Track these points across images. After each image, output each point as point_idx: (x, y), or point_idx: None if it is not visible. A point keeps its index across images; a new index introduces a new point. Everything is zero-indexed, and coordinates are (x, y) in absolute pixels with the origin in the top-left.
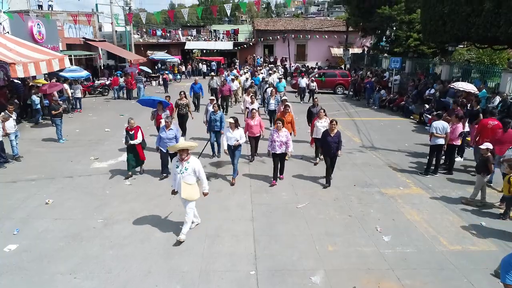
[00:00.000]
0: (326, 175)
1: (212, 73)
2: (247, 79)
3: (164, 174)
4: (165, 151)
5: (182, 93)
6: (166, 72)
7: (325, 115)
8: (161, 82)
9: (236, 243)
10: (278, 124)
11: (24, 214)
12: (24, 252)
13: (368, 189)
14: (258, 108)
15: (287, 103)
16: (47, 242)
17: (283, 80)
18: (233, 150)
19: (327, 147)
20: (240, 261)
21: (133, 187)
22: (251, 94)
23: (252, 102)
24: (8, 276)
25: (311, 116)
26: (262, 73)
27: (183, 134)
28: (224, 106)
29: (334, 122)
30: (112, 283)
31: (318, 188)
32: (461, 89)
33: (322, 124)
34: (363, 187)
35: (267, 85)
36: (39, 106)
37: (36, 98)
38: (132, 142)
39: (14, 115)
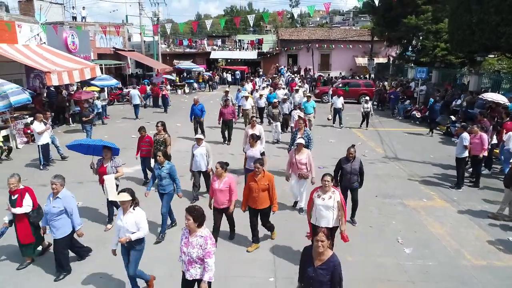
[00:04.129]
0: None
1: (226, 89)
2: (261, 96)
3: (63, 275)
4: (56, 237)
5: (159, 124)
6: (191, 80)
7: (334, 185)
8: (181, 92)
9: (255, 250)
10: (188, 222)
11: None
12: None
13: (390, 200)
14: (263, 152)
15: (261, 159)
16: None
17: (312, 99)
18: (127, 249)
19: None
20: (259, 267)
21: (155, 193)
22: (253, 133)
23: (252, 145)
24: (38, 275)
25: (341, 176)
26: (283, 87)
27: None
28: (226, 135)
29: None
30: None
31: None
32: (490, 99)
33: (325, 203)
34: (385, 198)
35: (291, 105)
36: (101, 110)
37: (98, 103)
38: (13, 213)
39: (50, 121)
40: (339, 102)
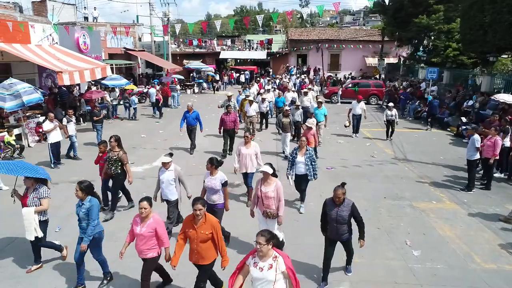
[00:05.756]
0: None
1: (229, 93)
2: (263, 99)
3: None
4: None
5: (112, 139)
6: (200, 80)
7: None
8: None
9: None
10: None
11: (65, 213)
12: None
13: (399, 202)
14: (226, 181)
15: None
16: None
17: (323, 105)
18: None
19: None
20: None
21: None
22: (213, 157)
23: (211, 173)
24: (49, 270)
25: (325, 223)
26: (292, 90)
27: (131, 205)
28: (228, 147)
29: None
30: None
31: None
32: (502, 100)
33: (263, 275)
34: (394, 199)
35: (296, 110)
36: (136, 106)
37: (135, 98)
38: None
39: (73, 119)
40: (358, 108)
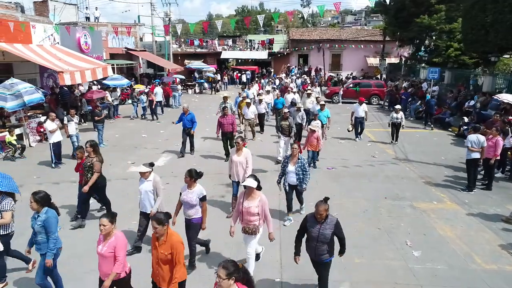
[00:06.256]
0: None
1: (225, 94)
2: (260, 101)
3: None
4: None
5: (87, 145)
6: (202, 80)
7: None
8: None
9: (262, 251)
10: None
11: (65, 213)
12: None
13: (400, 202)
14: (204, 196)
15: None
16: (83, 242)
17: (326, 107)
18: None
19: None
20: (266, 268)
21: (164, 192)
22: (191, 168)
23: (189, 186)
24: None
25: (307, 241)
26: (293, 91)
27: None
28: (229, 152)
29: None
30: (139, 284)
31: (347, 199)
32: (506, 101)
33: None
34: (394, 200)
35: (297, 112)
36: (145, 104)
37: (143, 97)
38: None
39: (76, 119)
40: (360, 110)
